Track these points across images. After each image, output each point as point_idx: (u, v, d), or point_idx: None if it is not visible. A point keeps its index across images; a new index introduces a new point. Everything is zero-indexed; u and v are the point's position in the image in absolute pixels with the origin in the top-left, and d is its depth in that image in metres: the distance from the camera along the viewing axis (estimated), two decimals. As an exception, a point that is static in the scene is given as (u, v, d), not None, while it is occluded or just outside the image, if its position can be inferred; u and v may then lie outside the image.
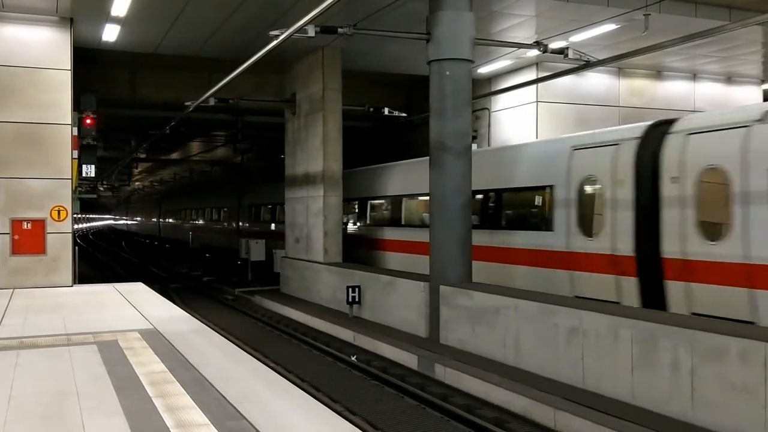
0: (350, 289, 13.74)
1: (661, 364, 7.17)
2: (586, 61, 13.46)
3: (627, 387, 7.57)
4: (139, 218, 66.69)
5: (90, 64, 17.09)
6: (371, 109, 18.74)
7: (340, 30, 11.54)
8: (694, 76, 19.51)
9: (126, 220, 78.61)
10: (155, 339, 7.86)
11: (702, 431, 6.62)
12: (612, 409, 7.33)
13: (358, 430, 4.69)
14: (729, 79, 19.90)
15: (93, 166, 14.45)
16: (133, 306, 10.75)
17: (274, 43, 11.27)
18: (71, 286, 13.59)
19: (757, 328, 6.95)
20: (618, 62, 16.42)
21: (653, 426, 6.78)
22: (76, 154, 13.81)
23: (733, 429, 6.40)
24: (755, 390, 6.20)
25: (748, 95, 20.09)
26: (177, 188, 51.98)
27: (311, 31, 10.95)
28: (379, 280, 13.31)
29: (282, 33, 11.01)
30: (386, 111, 18.69)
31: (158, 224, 52.03)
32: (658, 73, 19.19)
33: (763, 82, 20.47)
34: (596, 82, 18.51)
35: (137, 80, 19.22)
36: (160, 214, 51.48)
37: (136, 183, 61.17)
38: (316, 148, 16.66)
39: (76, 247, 14.20)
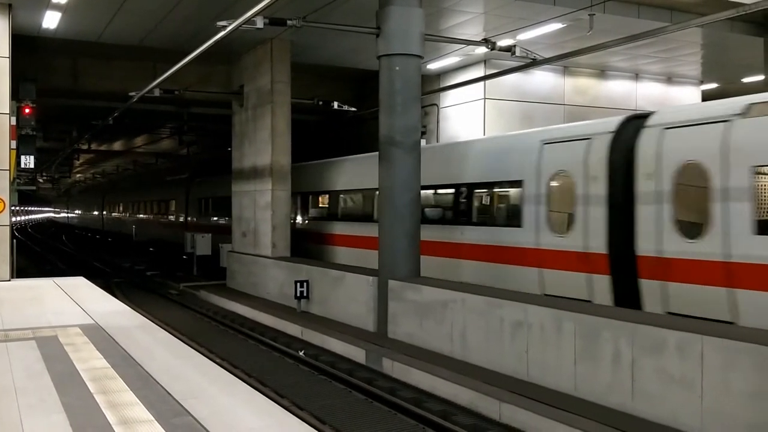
0: (298, 284, 13.67)
1: (602, 357, 7.34)
2: (532, 59, 13.68)
3: (570, 379, 7.73)
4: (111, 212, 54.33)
5: (29, 52, 16.54)
6: (321, 103, 18.66)
7: (289, 22, 11.45)
8: (636, 75, 20.01)
9: (68, 213, 71.86)
10: (97, 334, 7.68)
11: (641, 422, 6.82)
12: (555, 401, 7.48)
13: (305, 424, 4.68)
14: (669, 79, 20.48)
15: (32, 157, 14.03)
16: (74, 301, 10.49)
17: (222, 34, 11.12)
18: (9, 280, 13.18)
19: (694, 322, 7.18)
20: (563, 61, 16.73)
21: (594, 417, 6.95)
22: (14, 144, 13.37)
23: (671, 419, 6.60)
24: (692, 381, 6.41)
25: (687, 95, 20.70)
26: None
27: (260, 23, 10.85)
28: (327, 275, 13.28)
29: (230, 24, 10.87)
30: (336, 105, 18.63)
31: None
32: (602, 73, 19.61)
33: (701, 82, 21.13)
34: (542, 80, 18.81)
35: (79, 69, 18.70)
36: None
37: (78, 175, 59.54)
38: (264, 141, 16.51)
39: (14, 241, 13.76)
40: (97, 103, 20.39)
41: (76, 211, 67.53)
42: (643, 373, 6.89)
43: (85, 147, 34.35)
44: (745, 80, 20.49)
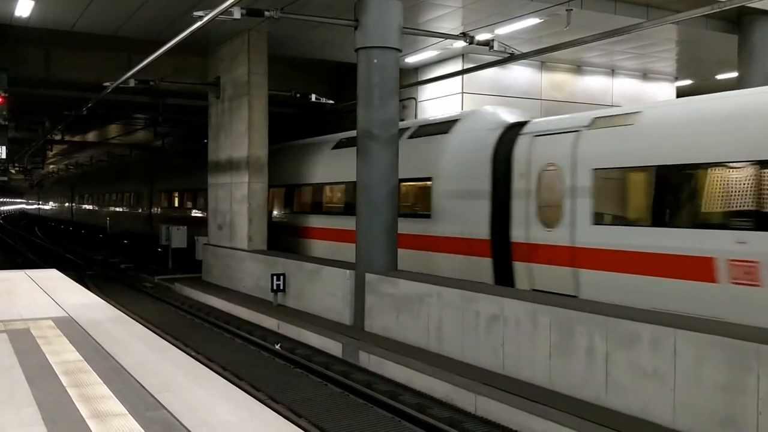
0: (275, 277, 13.62)
1: (577, 350, 7.41)
2: (510, 53, 13.72)
3: (545, 372, 7.79)
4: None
5: (0, 41, 16.26)
6: (298, 95, 18.57)
7: (266, 13, 11.37)
8: (612, 71, 20.19)
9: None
10: (70, 327, 7.59)
11: (614, 414, 6.89)
12: (530, 394, 7.54)
13: (281, 418, 4.66)
14: (645, 75, 20.68)
15: (4, 148, 13.83)
16: (47, 293, 10.35)
17: (198, 24, 11.00)
18: (-21, 272, 12.96)
19: (667, 316, 7.26)
20: (541, 56, 16.81)
21: (569, 410, 7.01)
22: (-15, 134, 13.16)
23: (643, 411, 6.68)
24: (665, 374, 6.49)
25: (662, 91, 20.92)
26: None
27: (237, 14, 10.77)
28: (304, 268, 13.24)
29: (206, 14, 10.75)
30: (313, 97, 18.55)
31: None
32: (579, 68, 19.75)
33: (676, 79, 21.36)
34: (519, 75, 18.90)
35: (52, 59, 18.43)
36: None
37: (51, 166, 58.74)
38: (240, 134, 16.40)
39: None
40: (70, 93, 20.10)
41: (93, 205, 43.51)
42: (617, 366, 6.97)
43: (58, 138, 33.87)
44: (719, 77, 20.76)
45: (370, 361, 9.68)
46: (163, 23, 14.73)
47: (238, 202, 16.57)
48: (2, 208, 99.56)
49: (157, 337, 7.48)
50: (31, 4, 13.60)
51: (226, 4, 10.18)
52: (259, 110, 16.19)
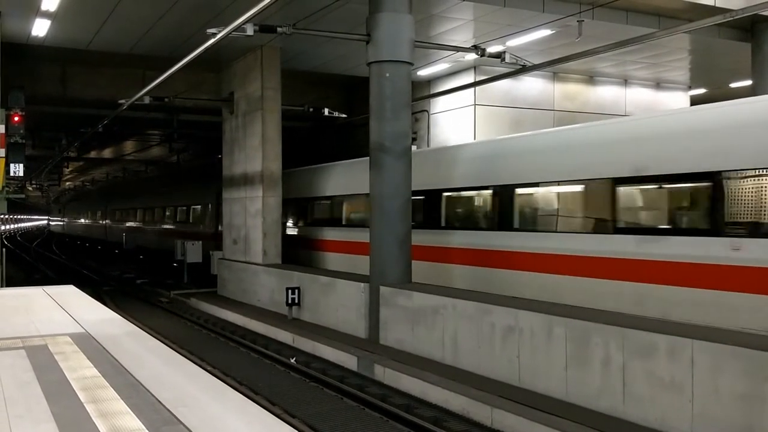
0: (289, 291, 13.65)
1: (593, 361, 7.36)
2: (522, 65, 13.73)
3: (561, 384, 7.75)
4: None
5: (18, 60, 16.47)
6: (311, 110, 18.66)
7: (279, 29, 11.45)
8: (625, 81, 20.13)
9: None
10: (87, 343, 7.64)
11: (631, 426, 6.83)
12: (546, 406, 7.50)
13: (296, 432, 4.67)
14: (658, 84, 20.60)
15: (21, 165, 13.93)
16: (64, 309, 10.42)
17: (212, 41, 11.11)
18: (-3, 289, 13.07)
19: (685, 326, 7.21)
20: (552, 67, 16.80)
21: (585, 422, 6.96)
22: (3, 152, 13.30)
23: (661, 422, 6.63)
24: (682, 385, 6.44)
25: (675, 101, 20.83)
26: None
27: (250, 30, 10.86)
28: (318, 281, 13.26)
29: (219, 31, 10.86)
30: (326, 111, 18.64)
31: None
32: (591, 78, 19.71)
33: (690, 88, 21.26)
34: (531, 86, 18.89)
35: (68, 77, 18.65)
36: None
37: (67, 183, 59.25)
38: (254, 148, 16.50)
39: (3, 249, 13.66)
40: (86, 111, 20.34)
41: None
42: (634, 377, 6.92)
43: (74, 155, 34.19)
44: (733, 85, 20.65)
45: (385, 374, 9.67)
46: (177, 41, 14.89)
47: (252, 217, 16.64)
48: (20, 225, 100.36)
49: (173, 352, 7.51)
50: (48, 23, 13.82)
51: (239, 20, 10.28)
52: (272, 125, 16.29)
